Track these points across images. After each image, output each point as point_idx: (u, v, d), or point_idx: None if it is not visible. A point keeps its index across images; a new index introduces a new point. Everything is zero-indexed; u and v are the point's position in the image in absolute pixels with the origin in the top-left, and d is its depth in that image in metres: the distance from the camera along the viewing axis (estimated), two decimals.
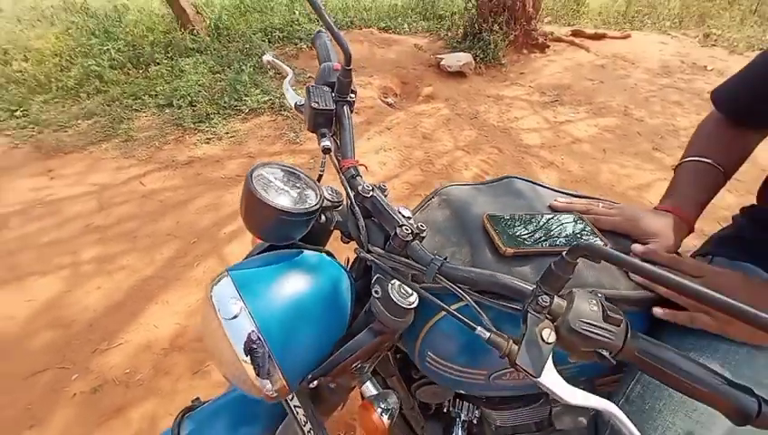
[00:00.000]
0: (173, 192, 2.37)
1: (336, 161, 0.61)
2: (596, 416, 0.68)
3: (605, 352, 0.35)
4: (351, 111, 0.67)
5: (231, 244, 2.02)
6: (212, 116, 3.01)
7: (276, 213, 0.47)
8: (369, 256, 0.51)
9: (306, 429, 0.56)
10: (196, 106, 3.06)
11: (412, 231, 0.49)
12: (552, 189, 0.69)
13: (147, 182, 2.44)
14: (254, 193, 0.46)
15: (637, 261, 0.31)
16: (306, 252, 0.54)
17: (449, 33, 4.65)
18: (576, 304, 0.37)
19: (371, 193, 0.54)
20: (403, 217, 0.51)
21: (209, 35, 4.01)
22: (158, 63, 3.56)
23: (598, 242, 0.56)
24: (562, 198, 0.66)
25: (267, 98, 3.21)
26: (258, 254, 0.56)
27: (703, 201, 0.64)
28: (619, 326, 0.36)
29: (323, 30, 0.70)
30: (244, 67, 3.41)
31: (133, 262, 1.90)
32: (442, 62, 3.88)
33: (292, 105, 0.69)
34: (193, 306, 1.70)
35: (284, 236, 0.52)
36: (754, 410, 0.33)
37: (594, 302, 0.37)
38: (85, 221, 2.13)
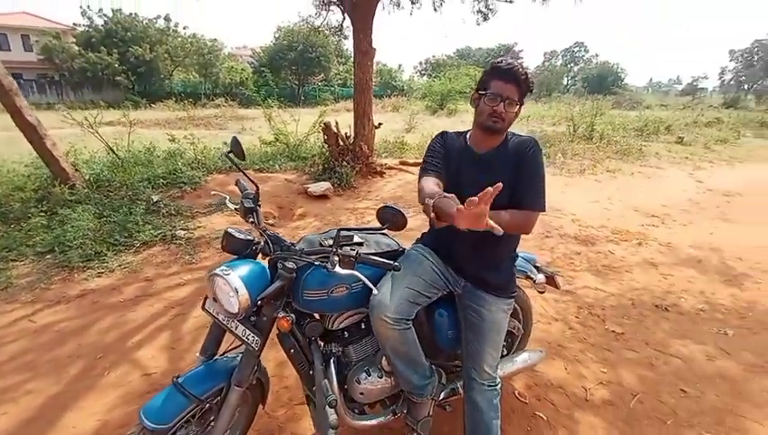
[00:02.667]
0: (69, 322, 2.52)
1: (256, 227, 1.39)
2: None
3: (352, 259, 1.18)
4: (260, 209, 1.47)
5: (141, 350, 2.30)
6: (102, 253, 3.29)
7: (238, 240, 1.22)
8: (276, 255, 1.27)
9: (253, 343, 1.20)
10: (83, 247, 3.30)
11: (292, 243, 1.29)
12: (353, 228, 1.57)
13: (37, 319, 2.53)
14: (230, 233, 1.21)
15: (346, 229, 1.18)
16: (249, 259, 1.26)
17: (312, 169, 6.03)
18: (343, 250, 1.20)
19: (274, 233, 1.33)
20: (288, 241, 1.31)
21: (88, 188, 4.37)
22: (34, 217, 3.70)
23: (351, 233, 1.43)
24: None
25: (159, 232, 3.68)
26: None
27: None
28: (353, 252, 1.19)
29: (240, 178, 1.52)
30: (134, 210, 3.86)
31: (38, 386, 2.00)
32: (309, 189, 5.05)
33: (233, 209, 1.44)
34: (111, 404, 1.90)
35: (239, 250, 1.25)
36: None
37: (350, 250, 1.21)
38: None
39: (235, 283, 1.13)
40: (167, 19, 26.77)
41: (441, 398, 1.61)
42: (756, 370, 2.30)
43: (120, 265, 3.19)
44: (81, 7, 25.28)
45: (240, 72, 27.90)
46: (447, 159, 1.47)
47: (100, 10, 25.11)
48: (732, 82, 45.98)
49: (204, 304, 1.32)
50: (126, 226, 3.61)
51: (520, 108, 1.35)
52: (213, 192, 1.69)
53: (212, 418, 1.31)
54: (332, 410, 1.27)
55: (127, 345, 2.33)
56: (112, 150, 5.44)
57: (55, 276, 3.00)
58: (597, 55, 51.93)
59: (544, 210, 1.38)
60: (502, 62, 1.33)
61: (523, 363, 1.84)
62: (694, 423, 1.90)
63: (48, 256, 3.24)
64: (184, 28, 27.99)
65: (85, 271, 3.10)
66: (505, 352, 1.89)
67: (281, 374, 2.11)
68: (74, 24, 26.17)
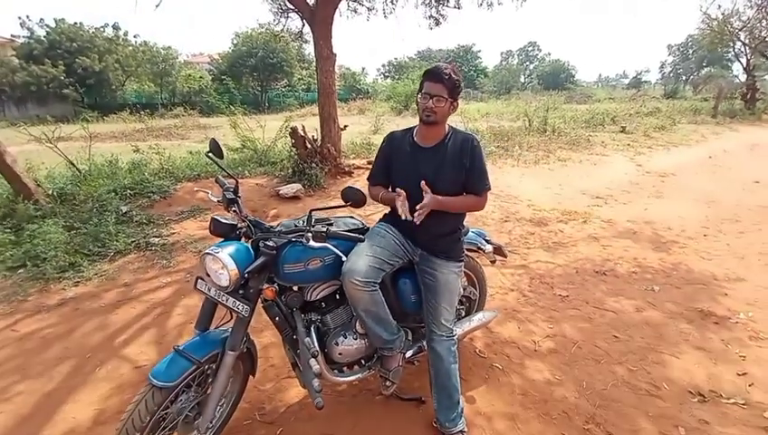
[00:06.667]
0: (53, 328, 2.58)
1: (238, 215, 1.60)
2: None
3: (323, 234, 1.41)
4: (240, 199, 1.67)
5: (129, 347, 2.41)
6: (76, 264, 3.32)
7: (223, 224, 1.43)
8: (258, 236, 1.49)
9: (243, 311, 1.41)
10: (56, 259, 3.31)
11: (271, 226, 1.51)
12: (322, 208, 1.80)
13: (19, 328, 2.57)
14: (216, 218, 1.41)
15: (316, 209, 1.42)
16: (234, 241, 1.47)
17: (282, 173, 6.16)
18: (315, 227, 1.44)
19: (255, 218, 1.55)
20: (267, 224, 1.53)
21: (53, 203, 4.31)
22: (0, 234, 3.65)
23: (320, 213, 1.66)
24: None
25: (132, 240, 3.73)
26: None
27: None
28: (323, 228, 1.43)
29: (219, 176, 1.71)
30: (105, 220, 3.88)
31: (30, 386, 2.08)
32: (280, 192, 5.20)
33: (216, 201, 1.64)
34: (106, 395, 2.03)
35: (225, 233, 1.46)
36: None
37: (320, 226, 1.45)
38: None
39: (225, 259, 1.34)
40: (115, 27, 25.63)
41: (409, 355, 1.88)
42: (675, 316, 2.73)
43: (96, 274, 3.24)
44: (19, 18, 23.65)
45: (199, 80, 27.14)
46: (395, 158, 1.75)
47: (41, 20, 23.73)
48: (671, 75, 49.75)
49: (195, 284, 1.51)
50: (98, 236, 3.64)
51: (453, 103, 1.61)
52: (196, 189, 1.87)
53: (209, 381, 1.50)
54: (315, 359, 1.50)
55: (114, 344, 2.43)
56: (73, 164, 5.34)
57: (31, 289, 3.02)
58: (549, 54, 54.48)
59: (491, 189, 1.70)
60: (432, 66, 1.62)
61: (479, 322, 2.14)
62: (622, 361, 2.28)
63: (20, 271, 3.23)
64: (134, 36, 26.93)
65: (61, 281, 3.12)
66: (464, 314, 2.19)
67: (266, 356, 2.30)
68: (12, 35, 24.59)
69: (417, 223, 1.49)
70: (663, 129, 12.20)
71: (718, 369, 2.22)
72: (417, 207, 1.49)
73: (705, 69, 39.92)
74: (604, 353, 2.33)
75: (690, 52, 46.42)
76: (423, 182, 1.53)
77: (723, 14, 17.12)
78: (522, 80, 50.72)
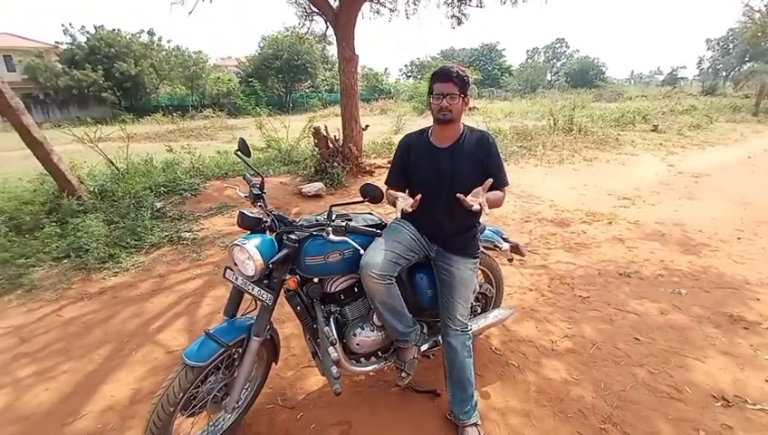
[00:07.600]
0: (94, 314, 2.79)
1: (263, 210, 1.70)
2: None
3: (343, 228, 1.49)
4: (266, 195, 1.77)
5: (162, 333, 2.58)
6: (115, 255, 3.55)
7: (250, 217, 1.53)
8: (282, 229, 1.58)
9: (267, 300, 1.50)
10: (97, 251, 3.56)
11: (294, 220, 1.60)
12: (341, 203, 1.87)
13: (64, 314, 2.79)
14: (243, 212, 1.52)
15: (336, 204, 1.50)
16: (259, 233, 1.57)
17: (305, 172, 6.33)
18: (335, 222, 1.51)
19: (279, 213, 1.64)
20: (290, 218, 1.62)
21: (94, 199, 4.62)
22: (47, 227, 3.94)
23: (340, 209, 1.73)
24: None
25: (166, 234, 3.95)
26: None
27: None
28: (343, 223, 1.51)
29: (246, 173, 1.82)
30: (141, 215, 4.13)
31: (73, 366, 2.27)
32: (303, 190, 5.34)
33: (243, 197, 1.75)
34: (142, 376, 2.18)
35: (251, 226, 1.56)
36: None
37: (340, 221, 1.52)
38: (11, 353, 2.38)
39: (251, 250, 1.44)
40: (150, 33, 26.86)
41: (425, 349, 1.92)
42: (702, 320, 2.65)
43: (133, 265, 3.46)
44: (62, 25, 25.20)
45: (227, 83, 28.06)
46: (414, 160, 1.79)
47: (83, 27, 25.17)
48: (709, 71, 47.22)
49: (224, 273, 1.62)
50: (135, 230, 3.88)
51: (464, 99, 1.65)
52: (225, 184, 1.99)
53: (236, 365, 1.61)
54: (333, 347, 1.57)
55: (149, 330, 2.60)
56: (112, 163, 5.68)
57: (74, 278, 3.26)
58: (578, 50, 53.03)
59: (509, 184, 1.73)
60: (438, 68, 1.67)
61: (495, 319, 2.16)
62: (643, 363, 2.24)
63: (65, 261, 3.49)
64: (168, 41, 28.14)
65: (102, 271, 3.36)
66: (480, 311, 2.21)
67: (288, 346, 2.40)
68: (57, 42, 26.19)
69: (487, 211, 1.43)
70: (698, 127, 11.65)
71: (745, 374, 2.14)
72: (472, 195, 1.43)
73: (748, 64, 37.71)
74: (624, 355, 2.30)
75: (731, 46, 43.93)
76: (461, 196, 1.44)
77: (765, 6, 16.13)
78: (548, 78, 49.44)
